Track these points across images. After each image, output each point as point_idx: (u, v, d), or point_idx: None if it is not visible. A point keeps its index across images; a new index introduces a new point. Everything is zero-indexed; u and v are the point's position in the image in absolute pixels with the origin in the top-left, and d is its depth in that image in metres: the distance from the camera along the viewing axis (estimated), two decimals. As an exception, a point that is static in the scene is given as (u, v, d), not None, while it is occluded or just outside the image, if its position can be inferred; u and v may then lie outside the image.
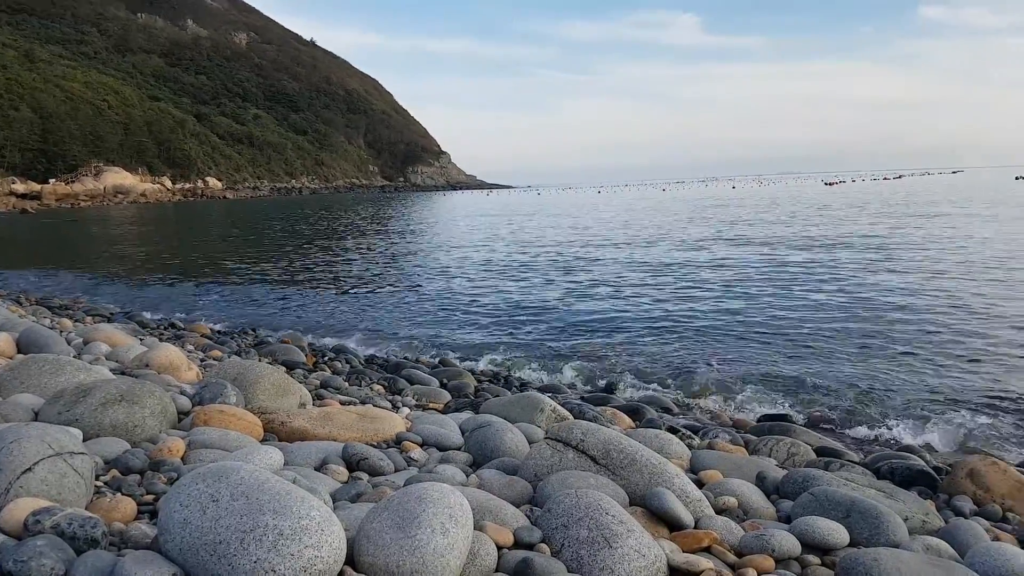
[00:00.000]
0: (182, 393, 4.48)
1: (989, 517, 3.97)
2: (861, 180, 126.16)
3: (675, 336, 10.40)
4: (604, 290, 14.76)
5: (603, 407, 6.59)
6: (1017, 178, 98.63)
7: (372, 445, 4.11)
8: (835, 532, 3.16)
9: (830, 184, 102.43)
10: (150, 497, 2.89)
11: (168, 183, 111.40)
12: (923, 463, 5.08)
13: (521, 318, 12.02)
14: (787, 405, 7.39)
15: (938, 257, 18.31)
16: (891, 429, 6.66)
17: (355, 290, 15.65)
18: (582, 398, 7.41)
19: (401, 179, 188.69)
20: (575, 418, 5.38)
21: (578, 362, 9.13)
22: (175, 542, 2.22)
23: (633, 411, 6.69)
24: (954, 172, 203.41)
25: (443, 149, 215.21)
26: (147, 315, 12.03)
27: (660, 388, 8.06)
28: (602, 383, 8.28)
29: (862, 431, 6.70)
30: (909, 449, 5.97)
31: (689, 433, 6.02)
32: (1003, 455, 5.85)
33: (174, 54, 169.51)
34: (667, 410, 7.29)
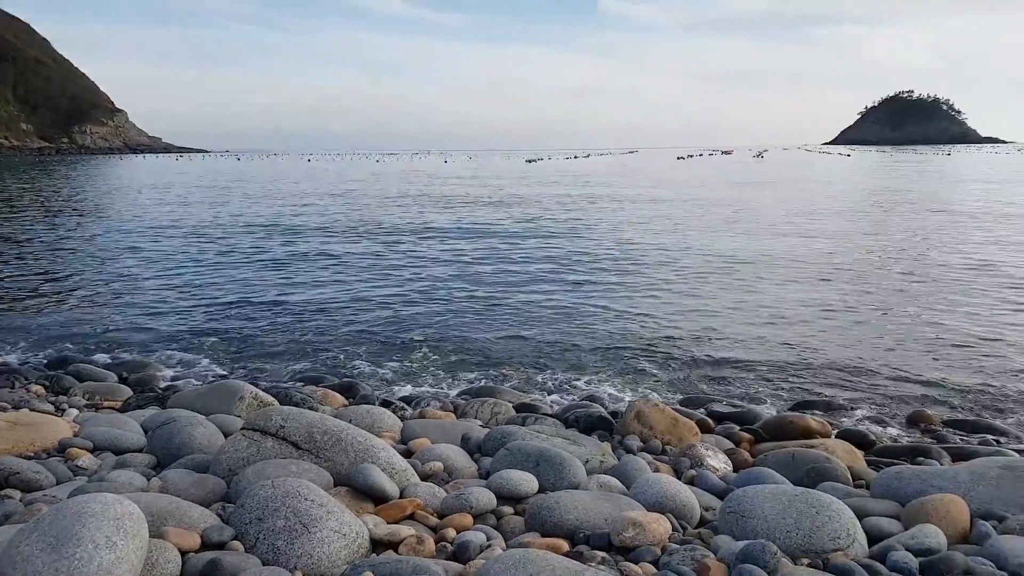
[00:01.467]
0: None
1: (652, 452, 4.61)
2: (556, 158, 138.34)
3: (390, 312, 10.45)
4: (318, 269, 14.31)
5: (314, 387, 6.40)
6: (679, 158, 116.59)
7: (27, 456, 3.50)
8: (526, 482, 3.42)
9: (531, 161, 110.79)
10: None
11: None
12: (602, 410, 5.74)
13: (221, 303, 11.14)
14: (497, 367, 7.84)
15: (609, 231, 20.82)
16: (582, 381, 7.40)
17: (6, 280, 13.22)
18: (294, 380, 7.13)
19: (65, 140, 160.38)
20: (281, 403, 5.15)
21: (289, 345, 8.73)
22: None
23: (346, 388, 6.60)
24: (630, 152, 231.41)
25: (119, 107, 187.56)
26: None
27: (377, 362, 8.03)
28: (317, 363, 8.02)
29: (560, 384, 7.36)
30: (594, 398, 6.68)
31: (402, 405, 6.11)
32: (668, 396, 6.82)
33: None
34: (387, 383, 7.33)
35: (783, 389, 7.13)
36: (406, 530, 2.87)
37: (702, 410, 6.23)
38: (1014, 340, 8.50)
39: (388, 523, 3.01)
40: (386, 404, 6.03)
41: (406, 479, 3.53)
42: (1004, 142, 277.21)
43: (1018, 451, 5.38)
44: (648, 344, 8.63)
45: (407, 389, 7.11)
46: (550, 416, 5.60)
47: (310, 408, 4.96)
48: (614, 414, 5.73)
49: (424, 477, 3.76)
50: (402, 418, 5.23)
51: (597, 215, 24.68)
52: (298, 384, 6.85)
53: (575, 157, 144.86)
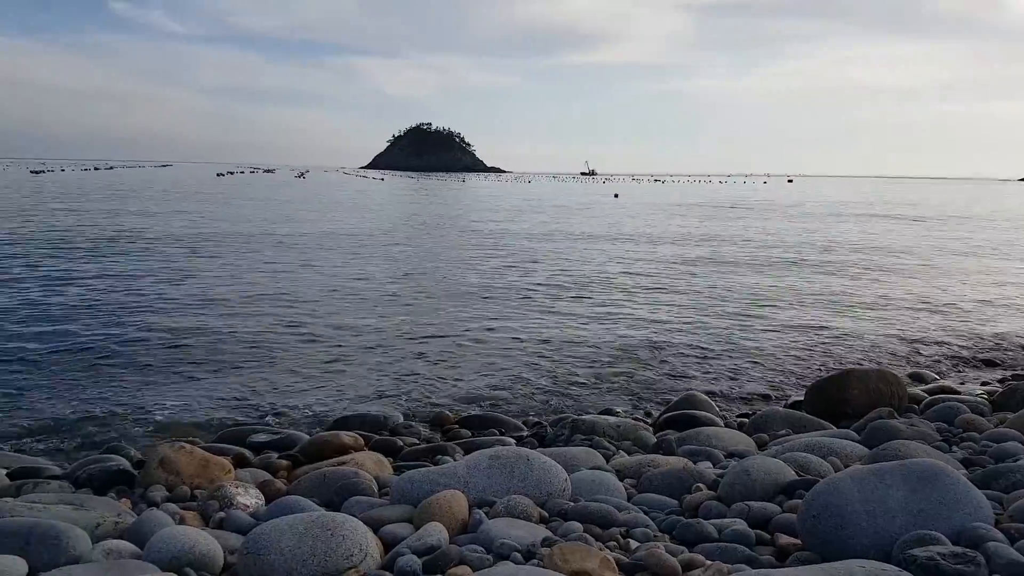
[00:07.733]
0: None
1: (180, 500, 4.25)
2: (73, 170, 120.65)
3: None
4: None
5: None
6: (219, 174, 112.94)
7: None
8: (11, 567, 2.87)
9: (36, 172, 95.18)
10: None
11: None
12: (122, 461, 5.12)
13: None
14: None
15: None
16: (96, 425, 6.52)
17: None
18: None
19: None
20: None
21: None
22: None
23: None
24: (164, 166, 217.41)
25: None
26: None
27: None
28: None
29: (69, 429, 6.39)
30: (116, 449, 5.90)
31: None
32: (204, 434, 6.38)
33: None
34: None
35: (329, 407, 7.29)
36: None
37: (245, 443, 6.00)
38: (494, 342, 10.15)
39: None
40: None
41: None
42: (504, 171, 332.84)
43: (518, 437, 6.40)
44: (180, 372, 8.05)
45: None
46: (57, 478, 4.80)
47: None
48: (140, 464, 5.17)
49: None
50: None
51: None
52: None
53: (95, 168, 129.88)
